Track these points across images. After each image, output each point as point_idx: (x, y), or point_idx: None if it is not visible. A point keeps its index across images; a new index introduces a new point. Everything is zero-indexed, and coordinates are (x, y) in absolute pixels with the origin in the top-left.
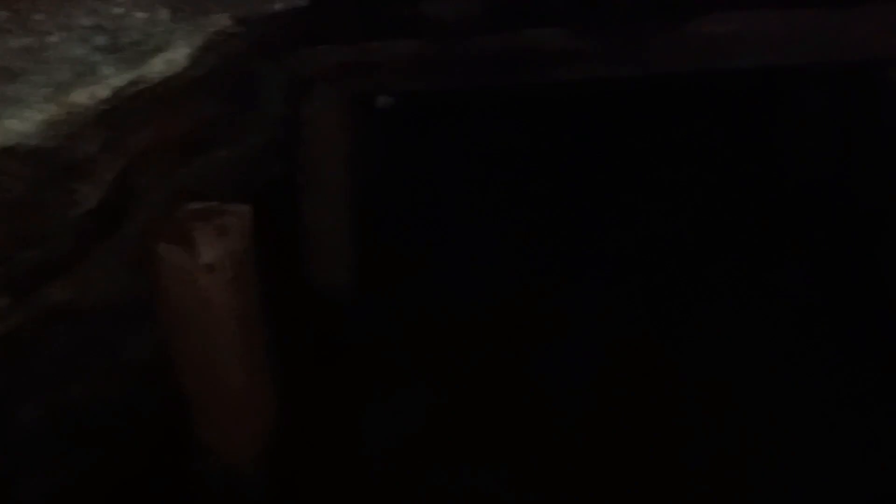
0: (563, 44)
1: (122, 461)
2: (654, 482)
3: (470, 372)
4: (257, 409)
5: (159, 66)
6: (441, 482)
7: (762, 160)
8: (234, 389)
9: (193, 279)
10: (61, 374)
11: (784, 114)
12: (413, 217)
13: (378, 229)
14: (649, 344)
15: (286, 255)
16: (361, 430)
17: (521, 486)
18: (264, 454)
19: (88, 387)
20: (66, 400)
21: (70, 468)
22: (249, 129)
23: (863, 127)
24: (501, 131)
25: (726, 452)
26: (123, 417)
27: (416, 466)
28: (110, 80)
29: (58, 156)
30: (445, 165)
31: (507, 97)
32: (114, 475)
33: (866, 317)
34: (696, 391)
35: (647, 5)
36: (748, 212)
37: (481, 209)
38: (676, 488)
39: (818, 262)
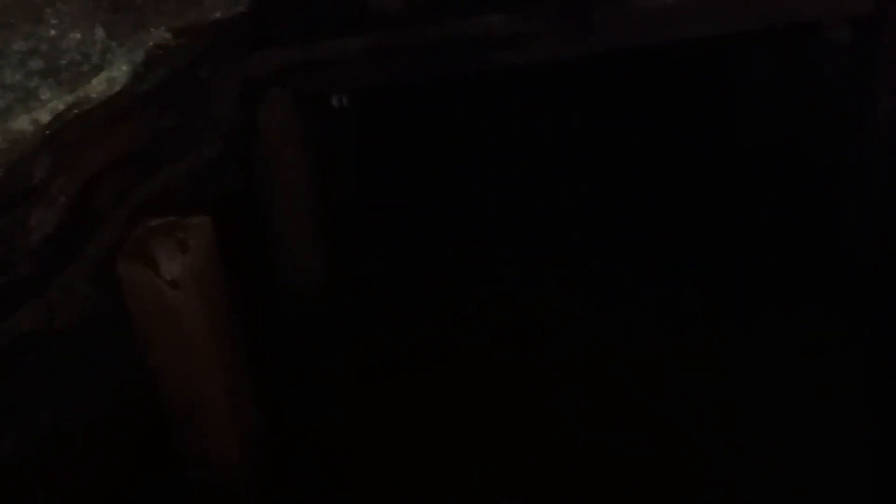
0: (510, 28)
1: (109, 477)
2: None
3: (450, 372)
4: (238, 419)
5: (100, 86)
6: (429, 491)
7: (718, 122)
8: (212, 401)
9: (158, 296)
10: (38, 397)
11: (737, 77)
12: (383, 214)
13: (348, 229)
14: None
15: (255, 262)
16: (344, 433)
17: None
18: (250, 463)
19: (67, 407)
20: (45, 422)
21: (56, 488)
22: (205, 139)
23: (809, 86)
24: (463, 118)
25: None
26: (106, 434)
27: (400, 457)
28: (51, 105)
29: (6, 184)
30: (410, 159)
31: (462, 83)
32: (101, 492)
33: (819, 268)
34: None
35: None
36: (706, 171)
37: (451, 201)
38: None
39: (774, 217)
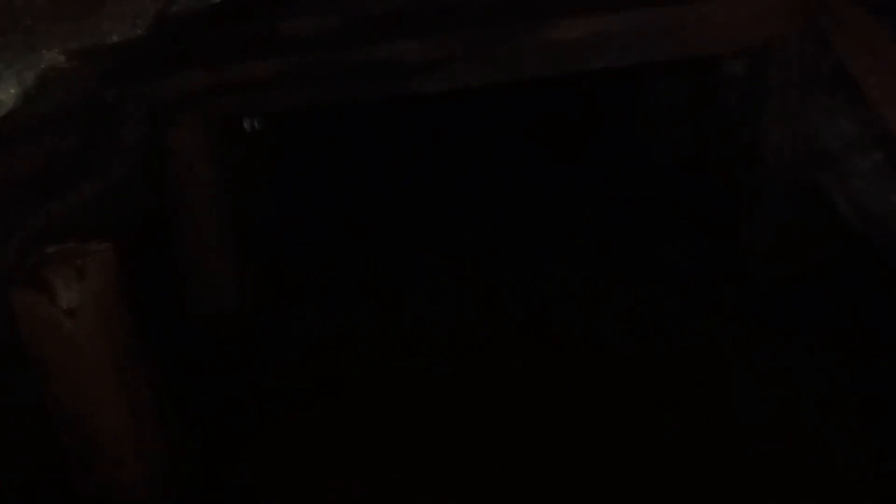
0: (421, 55)
1: None
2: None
3: (374, 397)
4: (143, 451)
5: None
6: None
7: (630, 142)
8: (115, 433)
9: (55, 325)
10: None
11: (647, 102)
12: (298, 235)
13: (264, 251)
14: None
15: (167, 287)
16: (259, 462)
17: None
18: (156, 496)
19: None
20: None
21: None
22: (112, 162)
23: (711, 114)
24: (376, 138)
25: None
26: (7, 469)
27: (320, 488)
28: None
29: None
30: (326, 180)
31: (378, 104)
32: None
33: (724, 281)
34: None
35: (498, 16)
36: (618, 188)
37: (366, 220)
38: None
39: (681, 230)
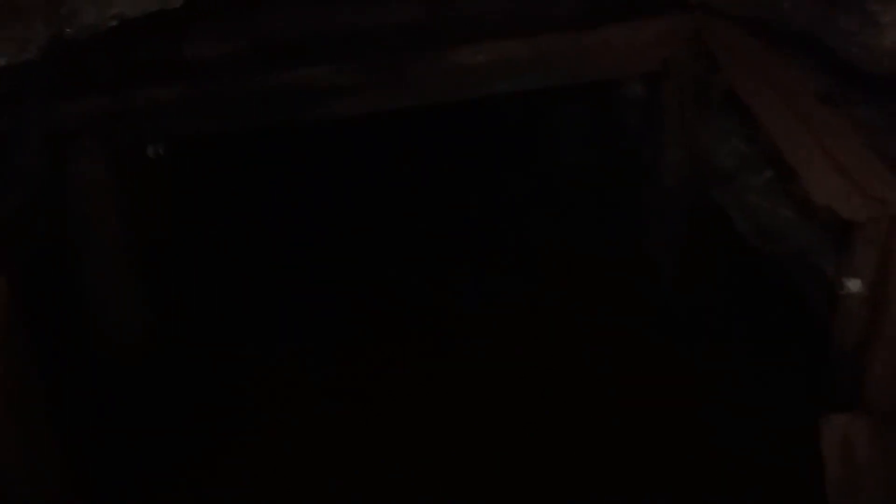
0: (329, 80)
1: None
2: None
3: (286, 430)
4: (40, 494)
5: None
6: None
7: (533, 161)
8: (10, 475)
9: None
10: None
11: (552, 123)
12: (208, 266)
13: (171, 284)
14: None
15: (67, 322)
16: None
17: None
18: None
19: None
20: None
21: None
22: (7, 190)
23: (610, 133)
24: (289, 163)
25: None
26: None
27: None
28: None
29: None
30: (237, 208)
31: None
32: None
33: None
34: None
35: (406, 41)
36: (521, 208)
37: (278, 250)
38: None
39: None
